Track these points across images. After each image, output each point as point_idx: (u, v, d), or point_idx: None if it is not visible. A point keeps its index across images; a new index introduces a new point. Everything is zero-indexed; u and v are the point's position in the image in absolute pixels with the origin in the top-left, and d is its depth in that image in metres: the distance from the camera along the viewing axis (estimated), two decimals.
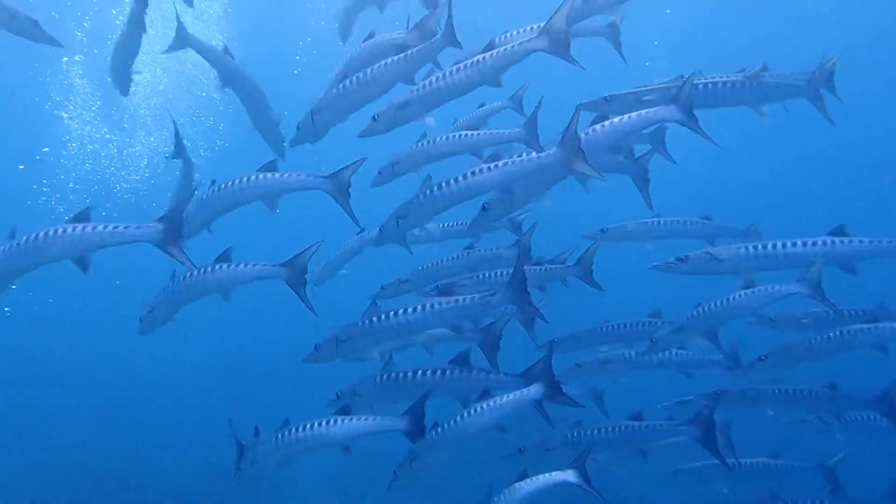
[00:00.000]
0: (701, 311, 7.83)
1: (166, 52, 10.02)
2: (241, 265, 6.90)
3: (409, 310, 6.73)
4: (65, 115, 19.20)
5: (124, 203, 21.21)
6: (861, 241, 7.17)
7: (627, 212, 9.29)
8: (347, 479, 13.21)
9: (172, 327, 7.58)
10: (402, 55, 7.12)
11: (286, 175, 7.06)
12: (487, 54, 6.74)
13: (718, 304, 7.71)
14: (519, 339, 7.36)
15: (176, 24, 9.75)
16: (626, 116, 6.50)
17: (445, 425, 6.51)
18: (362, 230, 9.59)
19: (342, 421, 6.51)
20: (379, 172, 7.66)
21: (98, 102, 19.14)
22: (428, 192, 6.98)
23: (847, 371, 8.47)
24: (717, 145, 6.68)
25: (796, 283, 7.29)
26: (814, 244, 7.19)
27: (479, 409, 6.43)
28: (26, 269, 6.63)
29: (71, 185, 20.99)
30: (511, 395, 6.39)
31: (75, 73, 19.42)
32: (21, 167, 24.09)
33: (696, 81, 6.89)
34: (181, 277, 7.07)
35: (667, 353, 8.66)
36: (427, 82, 6.96)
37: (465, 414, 6.47)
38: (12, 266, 6.54)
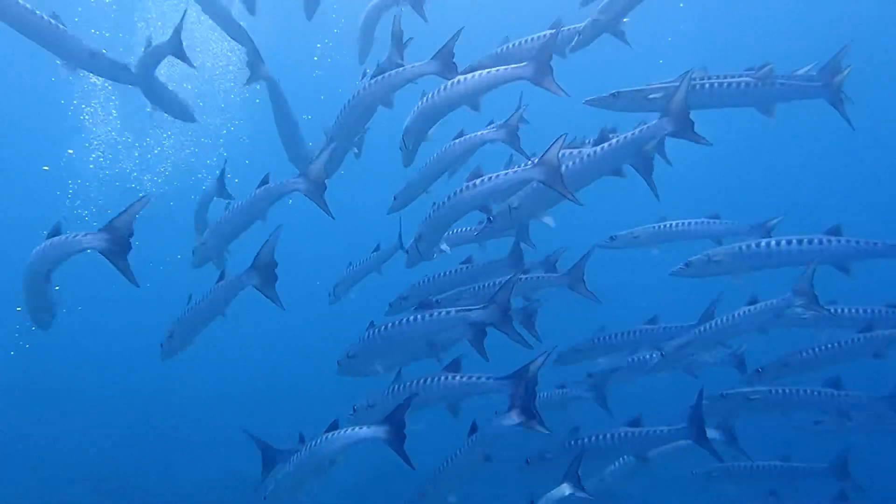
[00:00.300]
0: (706, 327, 8.00)
1: (246, 84, 9.85)
2: (218, 283, 7.17)
3: (389, 325, 7.00)
4: (87, 120, 19.45)
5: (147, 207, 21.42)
6: (857, 242, 7.29)
7: (624, 209, 9.33)
8: (360, 490, 13.38)
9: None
10: (377, 77, 7.26)
11: (263, 189, 7.39)
12: (469, 76, 6.84)
13: (723, 320, 7.90)
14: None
15: (250, 57, 9.66)
16: (621, 137, 6.54)
17: (441, 465, 6.99)
18: (377, 247, 9.69)
19: (326, 438, 6.73)
20: (395, 198, 7.94)
21: (117, 106, 19.35)
22: (430, 213, 7.22)
23: (849, 368, 8.55)
24: (712, 146, 6.69)
25: (791, 294, 7.43)
26: (809, 242, 7.33)
27: (467, 444, 6.86)
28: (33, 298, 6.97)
29: (93, 189, 21.22)
30: (492, 426, 6.69)
31: (98, 78, 19.56)
32: (45, 168, 24.44)
33: (703, 81, 6.98)
34: (193, 303, 7.41)
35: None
36: (416, 106, 7.15)
37: (456, 452, 6.88)
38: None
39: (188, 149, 20.93)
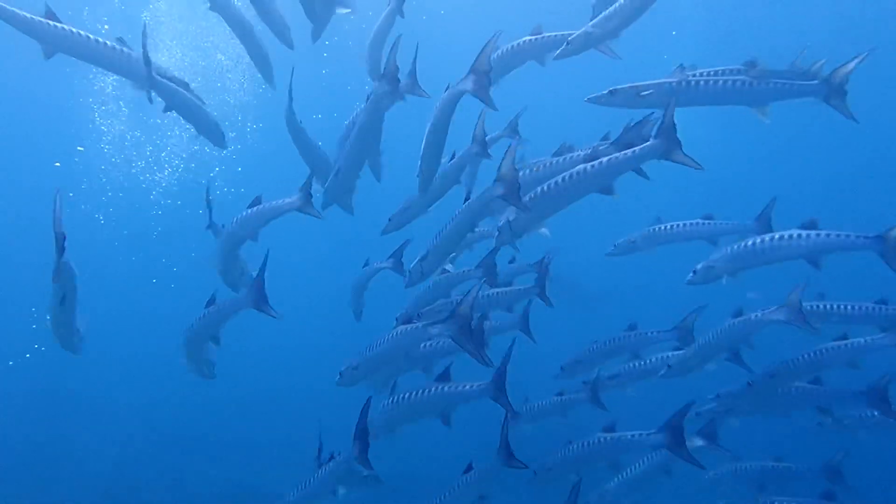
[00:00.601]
0: (697, 345, 8.28)
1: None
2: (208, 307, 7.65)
3: (378, 340, 7.22)
4: (98, 120, 19.63)
5: (155, 207, 21.66)
6: (828, 235, 7.38)
7: (620, 211, 9.37)
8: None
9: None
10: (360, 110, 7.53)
11: (260, 207, 7.76)
12: (436, 105, 7.01)
13: (711, 336, 8.14)
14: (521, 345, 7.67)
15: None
16: (612, 157, 6.62)
17: (435, 501, 7.35)
18: (366, 263, 9.73)
19: (317, 476, 7.22)
20: (389, 220, 8.13)
21: (127, 107, 19.53)
22: (436, 237, 7.46)
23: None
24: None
25: (779, 309, 7.63)
26: (780, 238, 7.51)
27: (462, 483, 7.28)
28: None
29: (106, 191, 21.40)
30: (483, 470, 7.19)
31: (107, 78, 19.74)
32: (57, 164, 24.68)
33: (697, 79, 6.97)
34: (190, 326, 7.89)
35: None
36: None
37: (451, 489, 7.30)
38: None
39: (197, 145, 21.10)
